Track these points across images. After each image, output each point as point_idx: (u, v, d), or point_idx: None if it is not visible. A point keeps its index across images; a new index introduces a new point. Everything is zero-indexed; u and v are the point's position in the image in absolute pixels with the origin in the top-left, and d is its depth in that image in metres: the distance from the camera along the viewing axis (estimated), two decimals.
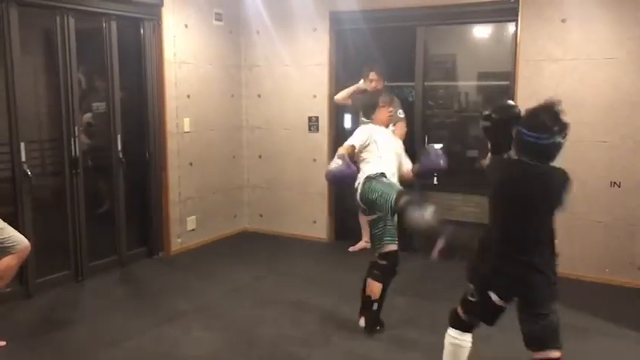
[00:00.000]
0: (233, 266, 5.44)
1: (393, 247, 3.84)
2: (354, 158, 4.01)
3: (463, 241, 3.51)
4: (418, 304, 4.50)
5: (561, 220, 2.82)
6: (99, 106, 5.19)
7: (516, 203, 2.65)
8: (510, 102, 3.09)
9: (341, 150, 4.01)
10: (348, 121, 6.22)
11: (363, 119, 5.38)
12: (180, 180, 5.77)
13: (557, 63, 4.93)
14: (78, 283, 4.93)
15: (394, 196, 3.73)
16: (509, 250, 2.66)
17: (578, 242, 4.97)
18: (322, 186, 6.18)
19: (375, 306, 3.93)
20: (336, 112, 6.08)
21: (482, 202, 6.71)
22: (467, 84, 7.07)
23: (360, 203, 3.96)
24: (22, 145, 4.41)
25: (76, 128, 4.80)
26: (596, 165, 4.89)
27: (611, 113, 4.79)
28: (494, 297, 2.70)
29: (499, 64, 6.19)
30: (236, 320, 4.22)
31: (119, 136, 5.21)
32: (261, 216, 6.66)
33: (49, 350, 3.73)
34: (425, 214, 3.55)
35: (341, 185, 4.23)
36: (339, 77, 6.08)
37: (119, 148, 5.21)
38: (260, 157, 6.58)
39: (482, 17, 5.67)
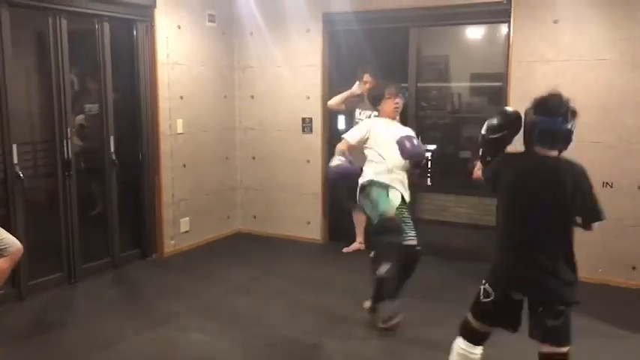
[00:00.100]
0: (227, 268, 5.43)
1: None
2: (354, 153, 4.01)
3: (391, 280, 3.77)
4: (412, 303, 4.50)
5: None
6: (91, 107, 5.17)
7: (530, 198, 2.61)
8: (512, 110, 3.05)
9: (340, 146, 4.01)
10: (342, 122, 6.22)
11: (359, 119, 5.42)
12: (173, 181, 5.76)
13: (550, 64, 4.95)
14: (71, 285, 4.91)
15: (382, 215, 3.78)
16: (526, 250, 2.62)
17: None
18: (316, 187, 6.18)
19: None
20: (330, 113, 6.08)
21: (475, 204, 6.75)
22: (460, 85, 7.09)
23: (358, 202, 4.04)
24: (14, 147, 4.39)
25: (68, 130, 4.78)
26: (590, 165, 4.87)
27: (603, 114, 4.81)
28: (512, 295, 2.66)
29: (492, 65, 6.22)
30: (231, 322, 4.21)
31: (112, 138, 5.19)
32: (255, 217, 6.65)
33: (41, 353, 3.71)
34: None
35: (344, 182, 4.14)
36: (333, 78, 6.08)
37: (112, 149, 5.19)
38: (253, 158, 6.57)
39: (475, 18, 5.69)
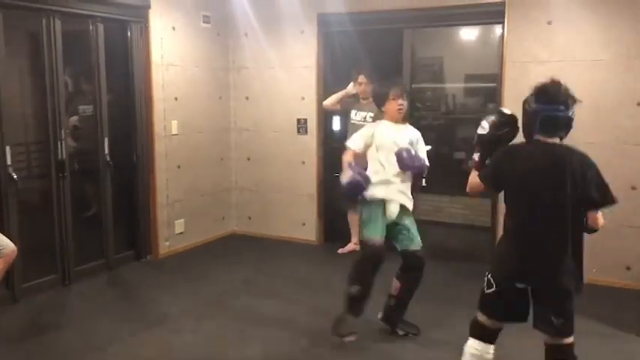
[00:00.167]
0: (222, 269, 5.42)
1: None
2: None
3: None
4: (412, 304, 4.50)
5: None
6: (86, 108, 5.15)
7: (539, 185, 2.60)
8: (510, 111, 3.03)
9: (346, 157, 3.84)
10: (337, 123, 6.23)
11: (354, 120, 5.41)
12: (168, 183, 5.74)
13: (544, 65, 4.96)
14: (65, 287, 4.89)
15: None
16: (534, 238, 2.62)
17: None
18: (311, 188, 6.18)
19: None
20: (325, 114, 6.08)
21: (470, 204, 6.77)
22: (454, 86, 7.12)
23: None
24: (8, 148, 4.37)
25: (62, 131, 4.77)
26: None
27: (597, 115, 4.83)
28: (518, 285, 2.64)
29: (486, 66, 6.25)
30: (225, 323, 4.21)
31: (106, 139, 5.17)
32: (250, 218, 6.64)
33: (36, 355, 3.69)
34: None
35: (358, 193, 3.81)
36: (327, 79, 6.08)
37: (106, 150, 5.17)
38: (248, 159, 6.56)
39: (469, 19, 5.71)
